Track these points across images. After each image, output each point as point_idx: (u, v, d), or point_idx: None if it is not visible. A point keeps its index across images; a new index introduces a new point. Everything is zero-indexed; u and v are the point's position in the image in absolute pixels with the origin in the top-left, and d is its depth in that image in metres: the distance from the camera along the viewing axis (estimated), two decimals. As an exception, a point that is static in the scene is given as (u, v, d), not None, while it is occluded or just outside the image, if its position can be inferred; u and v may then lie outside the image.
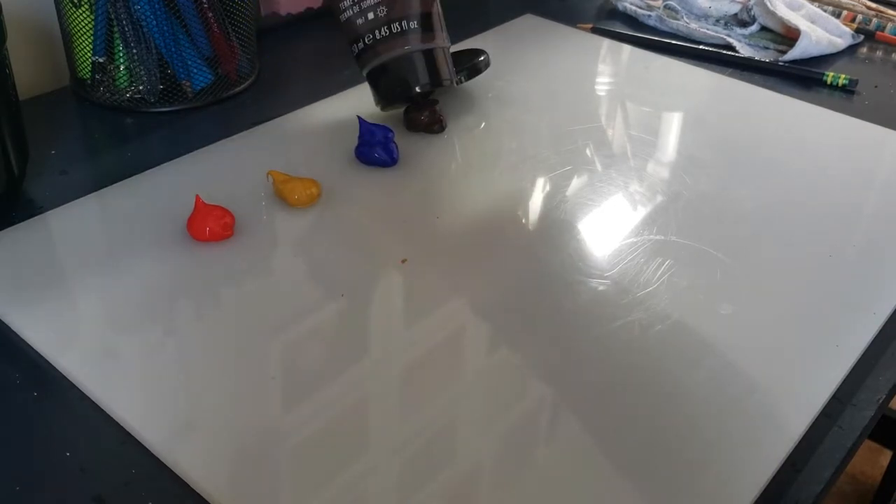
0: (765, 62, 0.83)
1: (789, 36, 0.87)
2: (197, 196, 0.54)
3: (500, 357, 0.47)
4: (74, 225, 0.56)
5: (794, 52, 0.83)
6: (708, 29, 0.89)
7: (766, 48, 0.87)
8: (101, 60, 0.68)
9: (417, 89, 0.58)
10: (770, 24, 0.89)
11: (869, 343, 0.49)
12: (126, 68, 0.69)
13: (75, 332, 0.47)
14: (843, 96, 0.79)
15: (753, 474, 0.41)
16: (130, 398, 0.43)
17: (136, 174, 0.61)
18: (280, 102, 0.72)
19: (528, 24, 0.90)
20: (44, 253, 0.54)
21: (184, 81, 0.70)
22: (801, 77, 0.81)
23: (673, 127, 0.72)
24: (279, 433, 0.42)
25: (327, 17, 0.90)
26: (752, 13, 0.90)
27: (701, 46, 0.86)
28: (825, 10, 0.92)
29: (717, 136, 0.70)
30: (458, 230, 0.57)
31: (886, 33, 0.91)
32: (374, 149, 0.62)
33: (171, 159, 0.63)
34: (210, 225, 0.53)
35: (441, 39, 0.58)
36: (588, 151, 0.67)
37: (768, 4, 0.88)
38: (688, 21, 0.90)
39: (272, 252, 0.54)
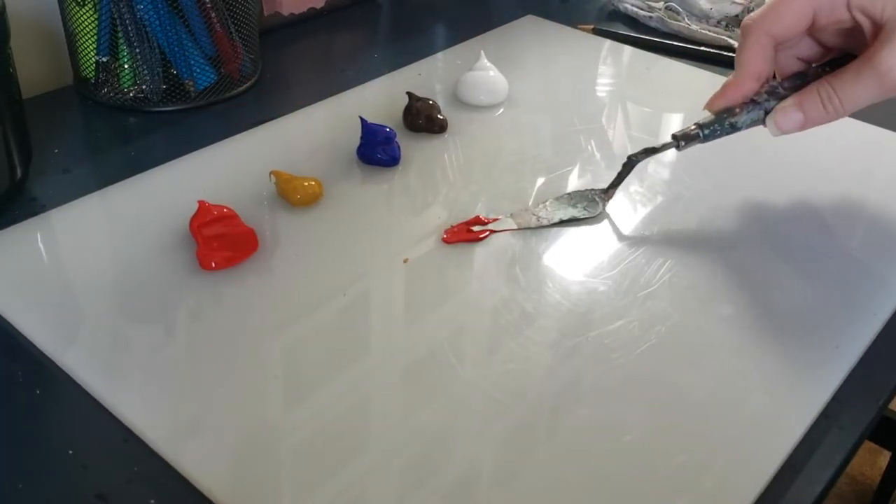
0: (766, 63, 0.83)
1: (790, 37, 0.87)
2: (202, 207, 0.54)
3: (500, 357, 0.47)
4: (77, 224, 0.56)
5: (795, 54, 0.83)
6: (709, 30, 0.89)
7: (767, 49, 0.87)
8: (104, 60, 0.69)
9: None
10: (771, 25, 0.89)
11: (869, 344, 0.49)
12: (129, 68, 0.69)
13: (78, 330, 0.47)
14: (844, 98, 0.79)
15: (753, 475, 0.41)
16: (133, 396, 0.43)
17: (138, 173, 0.61)
18: (283, 102, 0.73)
19: (528, 24, 0.90)
20: (47, 251, 0.54)
21: (187, 81, 0.70)
22: (802, 78, 0.81)
23: (673, 128, 0.72)
24: (281, 431, 0.42)
25: (330, 17, 0.91)
26: (754, 15, 0.90)
27: (702, 48, 0.86)
28: (826, 12, 0.92)
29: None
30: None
31: (887, 35, 0.91)
32: (376, 149, 0.63)
33: (173, 158, 0.63)
34: (216, 260, 0.52)
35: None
36: (589, 152, 0.67)
37: (769, 6, 0.88)
38: (689, 22, 0.90)
39: (274, 251, 0.54)
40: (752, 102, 0.53)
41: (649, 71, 0.81)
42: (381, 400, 0.44)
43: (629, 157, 0.57)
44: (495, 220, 0.57)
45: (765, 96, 0.53)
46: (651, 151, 0.56)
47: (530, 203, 0.58)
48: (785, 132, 0.52)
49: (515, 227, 0.56)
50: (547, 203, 0.58)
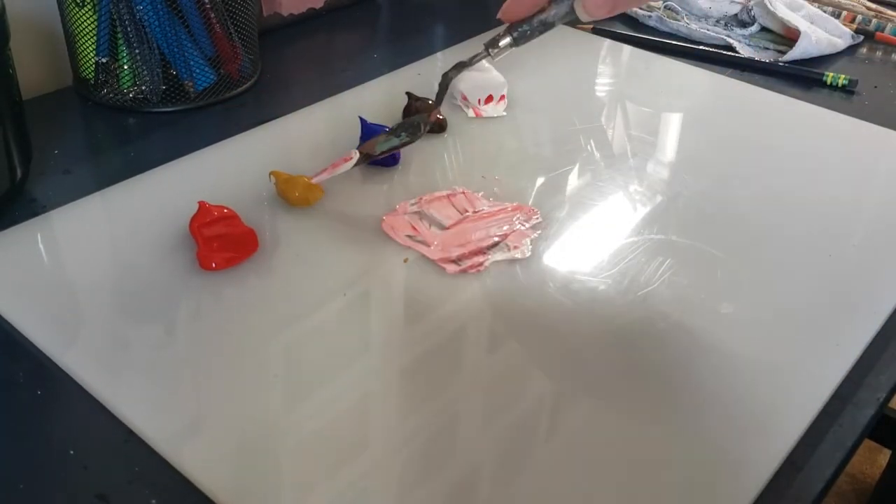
0: (765, 62, 0.83)
1: (789, 36, 0.87)
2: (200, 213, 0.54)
3: (500, 356, 0.47)
4: (77, 224, 0.56)
5: (794, 53, 0.84)
6: (708, 29, 0.89)
7: (766, 48, 0.87)
8: (104, 61, 0.69)
9: None
10: (770, 24, 0.89)
11: (869, 342, 0.49)
12: (129, 68, 0.69)
13: (78, 331, 0.47)
14: (843, 96, 0.79)
15: (754, 473, 0.41)
16: (134, 396, 0.43)
17: (138, 174, 0.61)
18: (282, 102, 0.73)
19: (528, 24, 0.90)
20: (47, 252, 0.54)
21: (186, 81, 0.70)
22: (801, 77, 0.81)
23: (673, 127, 0.72)
24: (282, 431, 0.42)
25: (329, 17, 0.91)
26: (752, 13, 0.90)
27: (701, 47, 0.86)
28: (825, 11, 0.92)
29: (717, 137, 0.70)
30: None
31: (886, 34, 0.91)
32: (375, 149, 0.63)
33: (173, 159, 0.63)
34: (216, 260, 0.52)
35: None
36: (588, 151, 0.67)
37: (768, 5, 0.88)
38: (688, 21, 0.90)
39: (274, 251, 0.54)
40: None
41: (648, 70, 0.81)
42: (381, 400, 0.44)
43: (443, 75, 0.57)
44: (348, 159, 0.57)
45: None
46: (463, 65, 0.56)
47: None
48: (593, 15, 0.48)
49: (354, 162, 0.58)
50: (376, 140, 0.59)
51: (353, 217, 0.58)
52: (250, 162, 0.63)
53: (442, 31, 0.90)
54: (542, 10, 0.50)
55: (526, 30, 0.51)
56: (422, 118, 0.59)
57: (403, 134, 0.59)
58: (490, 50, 0.52)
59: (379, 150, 0.58)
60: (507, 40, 0.51)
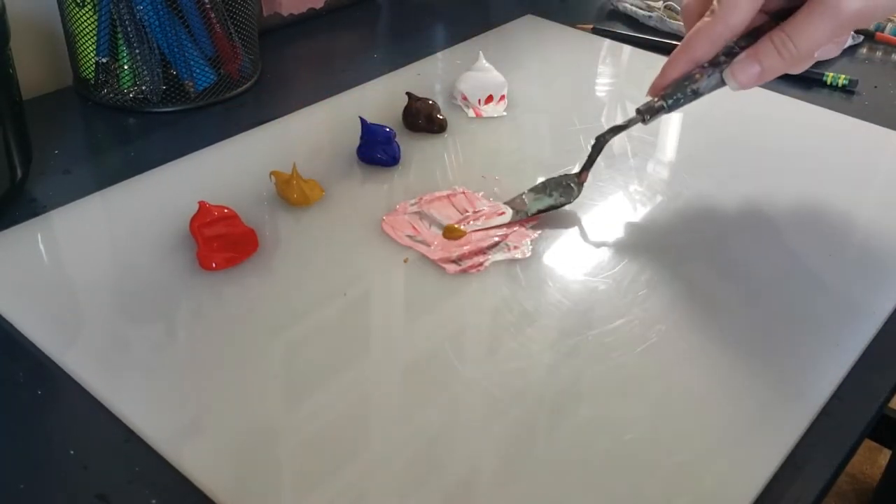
0: (765, 63, 0.83)
1: (789, 36, 0.87)
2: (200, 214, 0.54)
3: (500, 356, 0.47)
4: (77, 224, 0.56)
5: (795, 53, 0.83)
6: (708, 29, 0.89)
7: (767, 49, 0.87)
8: (104, 61, 0.69)
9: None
10: (770, 24, 0.89)
11: (869, 342, 0.49)
12: (129, 68, 0.69)
13: (79, 331, 0.47)
14: (843, 96, 0.79)
15: (754, 473, 0.41)
16: (134, 396, 0.43)
17: (138, 174, 0.61)
18: (282, 102, 0.73)
19: (528, 24, 0.90)
20: (47, 252, 0.54)
21: (186, 81, 0.70)
22: (801, 77, 0.81)
23: (673, 127, 0.72)
24: (282, 431, 0.42)
25: (330, 17, 0.91)
26: (753, 14, 0.90)
27: (701, 47, 0.86)
28: (825, 11, 0.92)
29: (717, 136, 0.70)
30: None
31: (886, 34, 0.91)
32: (375, 149, 0.63)
33: (173, 159, 0.63)
34: (216, 260, 0.53)
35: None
36: (588, 151, 0.67)
37: (768, 5, 0.88)
38: (688, 21, 0.90)
39: (274, 251, 0.54)
40: (711, 66, 0.53)
41: (648, 70, 0.81)
42: (381, 400, 0.44)
43: (597, 138, 0.57)
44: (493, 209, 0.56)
45: (722, 58, 0.53)
46: (618, 129, 0.56)
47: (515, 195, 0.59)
48: (744, 86, 0.51)
49: (508, 218, 0.56)
50: (523, 195, 0.58)
51: (353, 217, 0.58)
52: (250, 162, 0.63)
53: (441, 31, 0.90)
54: (694, 80, 0.53)
55: (679, 97, 0.54)
56: (571, 178, 0.58)
57: (556, 194, 0.58)
58: (645, 116, 0.54)
59: (535, 210, 0.57)
60: (660, 107, 0.54)
